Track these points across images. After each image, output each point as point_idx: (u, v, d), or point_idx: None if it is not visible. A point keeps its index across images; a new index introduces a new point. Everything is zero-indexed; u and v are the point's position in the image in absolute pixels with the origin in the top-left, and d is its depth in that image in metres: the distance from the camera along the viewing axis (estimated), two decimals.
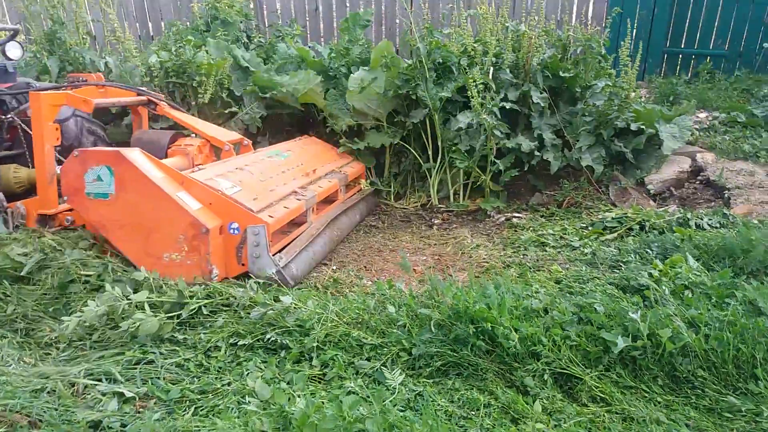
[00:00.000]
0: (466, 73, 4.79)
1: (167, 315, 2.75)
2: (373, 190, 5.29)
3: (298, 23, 7.48)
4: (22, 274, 3.09)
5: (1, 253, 3.06)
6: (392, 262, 4.01)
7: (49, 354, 2.70)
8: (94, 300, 2.77)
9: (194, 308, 2.79)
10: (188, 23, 6.68)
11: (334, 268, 3.87)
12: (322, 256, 3.89)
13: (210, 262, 3.19)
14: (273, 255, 3.29)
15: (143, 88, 4.44)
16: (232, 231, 3.27)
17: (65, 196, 3.40)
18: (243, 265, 3.28)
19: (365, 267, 3.91)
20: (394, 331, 2.67)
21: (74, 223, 3.53)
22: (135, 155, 3.29)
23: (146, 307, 2.74)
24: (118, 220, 3.28)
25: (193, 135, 4.33)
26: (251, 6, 7.24)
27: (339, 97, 5.38)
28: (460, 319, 2.60)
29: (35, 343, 2.77)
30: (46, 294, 3.03)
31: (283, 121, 5.80)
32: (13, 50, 4.18)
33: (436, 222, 4.95)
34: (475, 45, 5.10)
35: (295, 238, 3.64)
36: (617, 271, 3.44)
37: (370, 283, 3.56)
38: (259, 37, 6.57)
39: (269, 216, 3.34)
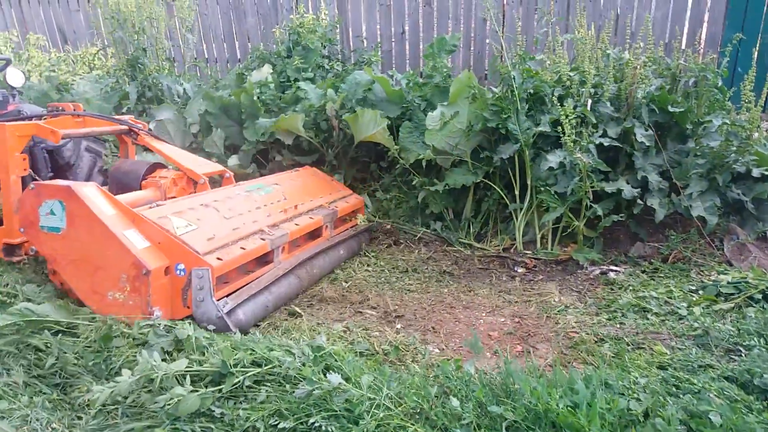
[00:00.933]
0: (561, 105, 4.31)
1: (208, 388, 2.48)
2: (368, 225, 4.94)
3: (383, 47, 7.29)
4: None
5: (51, 303, 3.00)
6: (465, 323, 3.53)
7: (81, 419, 2.53)
8: (137, 356, 2.62)
9: (238, 381, 2.49)
10: (273, 46, 6.71)
11: (399, 327, 3.46)
12: (285, 299, 3.69)
13: (151, 304, 3.06)
14: (219, 300, 3.13)
15: (124, 118, 4.41)
16: (178, 272, 3.14)
17: (22, 228, 3.40)
18: (188, 307, 3.15)
19: (433, 328, 3.46)
20: (458, 431, 2.22)
21: (38, 253, 3.57)
22: (87, 191, 3.24)
23: (187, 380, 2.49)
24: (68, 255, 3.24)
25: (171, 166, 4.26)
26: (337, 30, 7.06)
27: (413, 130, 5.06)
28: (539, 422, 2.18)
29: (69, 404, 2.62)
30: (88, 347, 2.86)
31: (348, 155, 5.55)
32: (15, 78, 4.40)
33: (519, 271, 4.42)
34: (572, 74, 4.65)
35: (252, 281, 3.46)
36: (736, 357, 2.88)
37: (437, 351, 3.16)
38: (336, 64, 6.29)
39: (217, 258, 3.20)
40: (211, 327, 3.05)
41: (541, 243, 4.69)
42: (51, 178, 4.26)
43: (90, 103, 5.68)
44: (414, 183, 5.02)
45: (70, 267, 3.26)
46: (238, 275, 3.51)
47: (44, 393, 2.66)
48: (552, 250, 4.58)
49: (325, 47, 6.35)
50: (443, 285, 4.16)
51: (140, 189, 4.00)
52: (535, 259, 4.53)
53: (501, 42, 4.65)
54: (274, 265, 3.72)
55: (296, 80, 5.70)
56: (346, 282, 4.14)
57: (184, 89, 5.62)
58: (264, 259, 3.68)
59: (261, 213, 3.89)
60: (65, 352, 2.84)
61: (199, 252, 3.17)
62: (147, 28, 5.50)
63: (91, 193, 3.25)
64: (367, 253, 4.64)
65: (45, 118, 4.01)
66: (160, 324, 2.87)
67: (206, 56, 7.90)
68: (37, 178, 3.96)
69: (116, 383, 2.45)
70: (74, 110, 4.22)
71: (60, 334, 2.96)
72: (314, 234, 4.27)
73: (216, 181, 4.42)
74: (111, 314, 3.05)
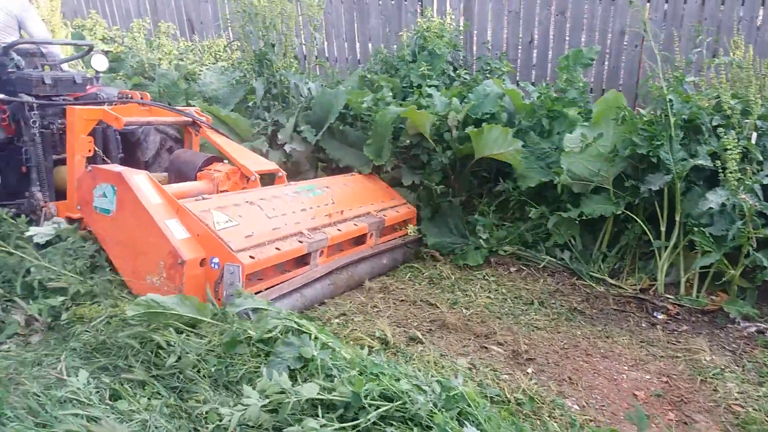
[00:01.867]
0: (719, 136, 3.88)
1: (340, 423, 2.24)
2: (418, 237, 4.73)
3: (510, 56, 6.68)
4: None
5: (178, 296, 2.84)
6: (605, 376, 3.14)
7: None
8: (261, 369, 2.48)
9: (371, 418, 2.25)
10: (395, 48, 6.53)
11: (530, 371, 3.14)
12: (317, 301, 3.74)
13: (183, 293, 3.02)
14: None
15: (188, 110, 4.43)
16: (213, 266, 3.14)
17: (78, 205, 3.55)
18: (219, 300, 3.15)
19: (570, 378, 3.10)
20: None
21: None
22: (137, 178, 3.32)
23: (319, 413, 2.26)
24: (115, 236, 3.35)
25: (227, 161, 4.22)
26: (460, 36, 6.59)
27: (529, 154, 4.58)
28: None
29: (186, 413, 2.42)
30: (211, 351, 2.67)
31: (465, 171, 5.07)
32: (99, 63, 4.55)
33: (659, 318, 3.86)
34: (733, 102, 4.07)
35: (285, 281, 3.48)
36: None
37: (577, 408, 2.85)
38: (465, 73, 5.81)
39: (250, 257, 3.19)
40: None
41: (685, 288, 4.07)
42: (122, 158, 4.39)
43: (215, 95, 5.73)
44: (531, 215, 4.60)
45: (116, 248, 3.35)
46: (274, 273, 3.51)
47: (162, 396, 2.50)
48: (698, 297, 3.99)
49: (450, 54, 6.05)
50: (575, 325, 3.75)
51: (195, 179, 4.01)
52: (678, 305, 3.96)
53: (657, 59, 4.15)
54: (310, 268, 3.68)
55: (419, 86, 5.35)
56: (467, 309, 3.86)
57: (309, 89, 5.42)
58: (303, 261, 3.66)
59: (305, 215, 3.83)
60: (187, 353, 2.64)
61: (233, 249, 3.15)
62: (278, 24, 5.31)
63: (141, 181, 3.31)
64: (486, 277, 4.34)
65: (114, 105, 4.13)
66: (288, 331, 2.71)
67: (326, 55, 7.73)
68: (106, 159, 4.08)
69: (244, 406, 2.28)
70: (141, 99, 4.32)
71: (183, 333, 2.78)
72: (359, 240, 4.23)
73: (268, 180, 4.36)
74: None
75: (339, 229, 3.90)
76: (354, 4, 7.40)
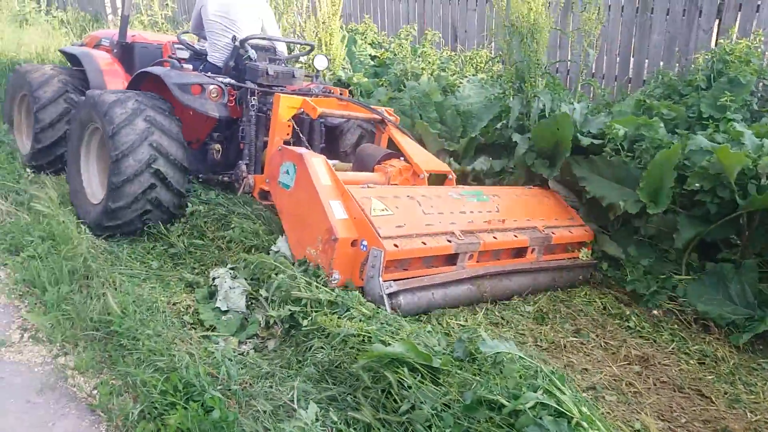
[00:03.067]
0: None
1: None
2: (592, 262, 4.46)
3: None
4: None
5: (406, 343, 2.54)
6: None
7: None
8: None
9: None
10: (676, 70, 5.97)
11: None
12: (456, 302, 3.76)
13: (332, 267, 3.41)
14: (384, 281, 3.33)
15: (380, 109, 4.79)
16: (362, 247, 3.44)
17: (267, 179, 4.10)
18: (362, 279, 3.45)
19: None
20: None
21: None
22: (314, 160, 3.72)
23: None
24: (290, 209, 3.81)
25: (403, 158, 4.50)
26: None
27: None
28: None
29: None
30: (447, 406, 2.31)
31: None
32: (319, 62, 5.15)
33: None
34: None
35: (427, 275, 3.63)
36: None
37: None
38: None
39: (394, 245, 3.42)
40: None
41: None
42: (323, 148, 4.95)
43: (469, 109, 5.62)
44: None
45: (289, 219, 3.83)
46: (420, 267, 3.68)
47: None
48: None
49: (759, 83, 5.12)
50: None
51: (373, 171, 4.41)
52: None
53: None
54: (456, 269, 3.76)
55: (710, 118, 4.58)
56: (753, 413, 2.99)
57: (575, 109, 4.90)
58: (452, 262, 3.77)
59: (462, 217, 3.93)
60: (422, 402, 2.33)
61: (381, 235, 3.41)
62: (528, 37, 4.95)
63: (317, 163, 3.74)
64: None
65: (317, 97, 4.67)
66: None
67: (593, 71, 6.93)
68: (308, 145, 4.61)
69: None
70: (341, 95, 4.87)
71: (419, 375, 2.47)
72: (518, 254, 4.15)
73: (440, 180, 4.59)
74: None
75: (495, 237, 3.92)
76: (635, 18, 6.62)
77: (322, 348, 2.81)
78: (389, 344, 2.56)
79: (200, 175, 4.89)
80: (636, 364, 3.30)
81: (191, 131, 4.65)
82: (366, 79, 6.67)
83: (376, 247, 3.35)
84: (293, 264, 3.56)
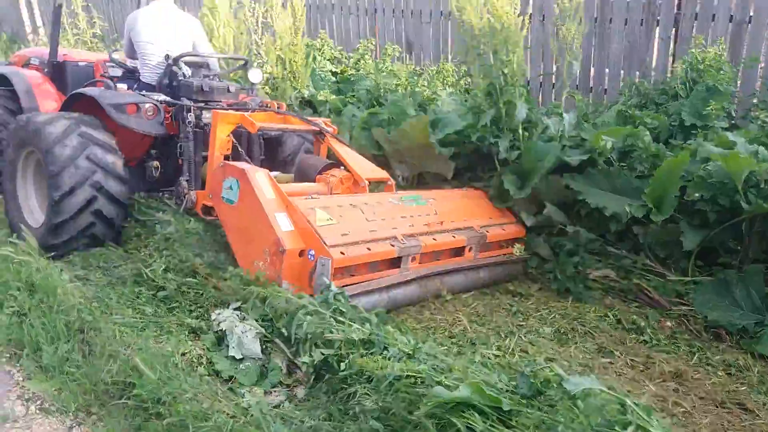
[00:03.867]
0: None
1: None
2: (522, 258, 4.66)
3: None
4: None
5: (471, 384, 2.31)
6: None
7: None
8: None
9: None
10: (637, 77, 6.20)
11: None
12: (401, 303, 3.93)
13: (281, 277, 3.51)
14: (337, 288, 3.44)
15: (317, 120, 4.93)
16: (309, 257, 3.56)
17: (209, 194, 4.19)
18: (311, 287, 3.54)
19: None
20: None
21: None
22: (257, 175, 3.81)
23: None
24: (235, 224, 3.90)
25: (342, 167, 4.63)
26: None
27: None
28: None
29: None
30: None
31: None
32: (254, 76, 5.24)
33: None
34: None
35: (374, 280, 3.77)
36: None
37: None
38: (765, 116, 4.77)
39: (341, 252, 3.54)
40: None
41: None
42: (262, 160, 5.06)
43: (449, 122, 5.46)
44: None
45: (235, 234, 3.91)
46: (366, 272, 3.80)
47: None
48: None
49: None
50: None
51: (315, 182, 4.53)
52: None
53: None
54: (400, 272, 3.92)
55: (693, 126, 4.69)
56: None
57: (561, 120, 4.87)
58: (396, 265, 3.91)
59: (403, 222, 4.08)
60: None
61: (327, 244, 3.53)
62: (502, 52, 4.80)
63: (260, 177, 3.83)
64: None
65: (253, 111, 4.73)
66: None
67: (575, 83, 6.87)
68: (248, 158, 4.68)
69: None
70: (278, 108, 4.96)
71: (489, 420, 2.25)
72: (457, 253, 4.32)
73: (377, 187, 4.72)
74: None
75: (434, 239, 4.08)
76: (594, 28, 6.73)
77: (367, 394, 2.54)
78: (448, 386, 2.34)
79: (141, 193, 4.93)
80: (671, 381, 3.25)
81: (128, 150, 4.66)
82: (333, 97, 6.60)
83: (323, 256, 3.46)
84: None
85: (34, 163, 4.72)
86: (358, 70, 7.34)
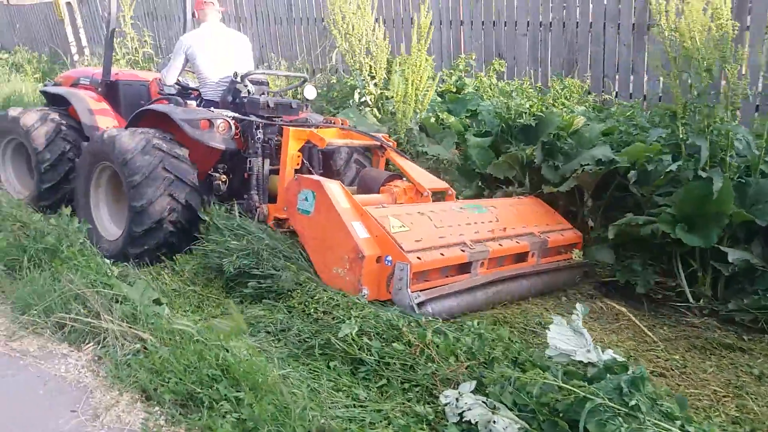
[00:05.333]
0: None
1: None
2: (584, 263, 4.74)
3: None
4: None
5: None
6: None
7: None
8: None
9: None
10: None
11: None
12: (473, 307, 3.99)
13: (361, 283, 3.68)
14: (413, 292, 3.60)
15: (378, 135, 5.13)
16: (386, 262, 3.71)
17: (284, 207, 4.38)
18: (389, 293, 3.69)
19: None
20: None
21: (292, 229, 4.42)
22: (332, 186, 4.02)
23: None
24: (312, 233, 4.07)
25: (405, 179, 4.83)
26: None
27: None
28: None
29: None
30: None
31: None
32: (309, 92, 5.47)
33: None
34: None
35: (447, 284, 3.89)
36: None
37: None
38: None
39: (417, 257, 3.68)
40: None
41: None
42: (320, 173, 5.23)
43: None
44: None
45: (312, 243, 4.10)
46: (439, 277, 3.95)
47: None
48: None
49: None
50: None
51: (378, 193, 4.73)
52: None
53: None
54: (470, 276, 4.07)
55: None
56: None
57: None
58: (465, 270, 4.06)
59: (469, 228, 4.23)
60: None
61: (404, 249, 3.68)
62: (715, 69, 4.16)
63: (335, 188, 4.05)
64: None
65: (319, 128, 4.97)
66: None
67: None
68: (311, 170, 4.96)
69: None
70: (342, 125, 5.17)
71: None
72: (520, 259, 4.46)
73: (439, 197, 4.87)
74: (333, 285, 3.79)
75: (500, 244, 4.22)
76: None
77: None
78: None
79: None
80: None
81: (197, 164, 4.87)
82: (453, 119, 6.04)
83: (401, 261, 3.61)
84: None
85: (107, 178, 4.96)
86: (462, 88, 6.83)
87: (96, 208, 5.00)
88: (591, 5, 7.02)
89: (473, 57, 7.28)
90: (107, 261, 4.13)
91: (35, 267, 4.00)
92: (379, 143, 5.05)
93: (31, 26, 13.72)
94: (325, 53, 8.80)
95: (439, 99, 6.51)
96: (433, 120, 6.11)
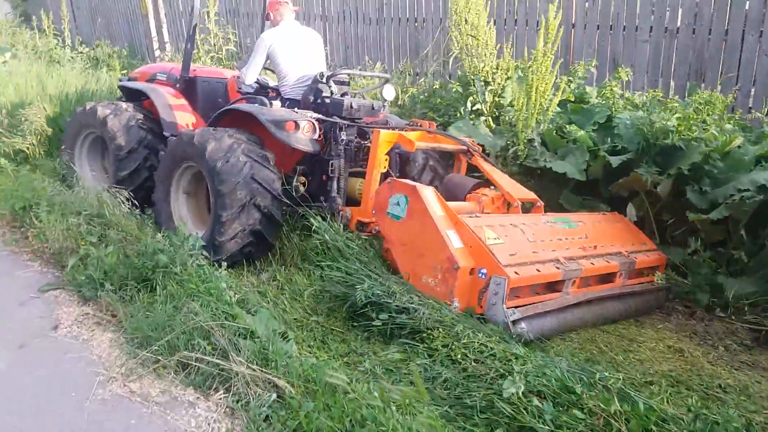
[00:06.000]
0: None
1: None
2: (666, 286, 4.56)
3: None
4: None
5: None
6: None
7: None
8: None
9: None
10: None
11: None
12: (566, 328, 3.89)
13: (453, 294, 3.60)
14: (508, 308, 3.50)
15: (465, 140, 5.05)
16: (480, 275, 3.60)
17: (373, 210, 4.32)
18: (481, 307, 3.58)
19: None
20: None
21: (379, 233, 4.35)
22: (427, 192, 3.93)
23: None
24: (401, 239, 4.00)
25: (492, 187, 4.71)
26: None
27: None
28: None
29: None
30: None
31: None
32: (388, 93, 5.38)
33: None
34: None
35: (539, 302, 3.77)
36: None
37: None
38: None
39: (515, 272, 3.56)
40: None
41: None
42: (397, 176, 5.17)
43: None
44: None
45: (401, 249, 4.03)
46: (528, 293, 3.85)
47: None
48: None
49: None
50: None
51: (464, 200, 4.64)
52: None
53: None
54: (562, 295, 3.93)
55: None
56: None
57: None
58: (552, 287, 3.96)
59: (561, 244, 4.14)
60: None
61: (502, 263, 3.59)
62: None
63: (430, 195, 3.98)
64: None
65: (409, 130, 4.91)
66: None
67: None
68: (391, 173, 4.88)
69: None
70: (429, 127, 5.09)
71: None
72: (606, 278, 4.31)
73: (527, 208, 4.76)
74: (421, 293, 3.70)
75: (592, 263, 4.09)
76: None
77: None
78: None
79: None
80: None
81: (279, 165, 4.86)
82: (581, 132, 5.37)
83: (498, 275, 3.52)
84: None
85: (190, 177, 4.96)
86: (582, 98, 6.15)
87: (176, 207, 4.98)
88: (729, 9, 6.21)
89: (594, 64, 6.58)
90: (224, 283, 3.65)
91: (145, 289, 3.81)
92: (465, 147, 4.97)
93: (111, 21, 14.10)
94: (431, 55, 8.36)
95: (558, 109, 5.88)
96: (555, 132, 5.52)
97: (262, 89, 5.60)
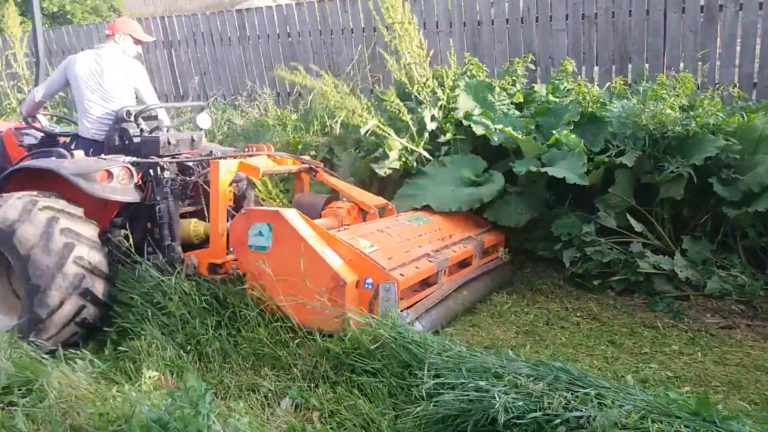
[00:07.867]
0: None
1: None
2: (508, 260, 5.04)
3: None
4: None
5: None
6: None
7: None
8: None
9: None
10: None
11: None
12: (451, 316, 4.06)
13: (346, 312, 3.47)
14: (401, 311, 3.51)
15: (305, 158, 5.06)
16: (366, 286, 3.57)
17: (231, 247, 3.97)
18: (374, 318, 3.49)
19: None
20: None
21: (239, 271, 3.99)
22: (291, 215, 3.74)
23: None
24: (274, 270, 3.65)
25: (344, 199, 4.77)
26: None
27: None
28: None
29: None
30: None
31: None
32: (203, 121, 5.07)
33: None
34: None
35: (423, 298, 3.87)
36: None
37: None
38: None
39: (400, 274, 3.60)
40: None
41: None
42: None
43: None
44: None
45: (271, 281, 3.69)
46: (408, 293, 3.87)
47: None
48: None
49: None
50: None
51: (321, 217, 4.53)
52: None
53: None
54: (438, 287, 4.06)
55: None
56: None
57: None
58: (425, 281, 4.03)
59: (423, 240, 4.30)
60: None
61: (386, 268, 3.58)
62: None
63: (294, 216, 3.79)
64: None
65: (244, 156, 4.60)
66: None
67: None
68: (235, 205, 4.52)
69: None
70: (266, 150, 4.82)
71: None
72: (464, 263, 4.55)
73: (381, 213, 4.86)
74: (308, 322, 3.52)
75: (454, 251, 4.31)
76: None
77: None
78: None
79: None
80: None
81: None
82: (573, 136, 4.80)
83: (386, 281, 3.49)
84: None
85: None
86: (528, 97, 5.76)
87: None
88: None
89: (530, 59, 6.25)
90: None
91: None
92: (307, 165, 4.91)
93: None
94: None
95: (516, 113, 5.39)
96: (533, 139, 4.95)
97: (50, 138, 4.91)
